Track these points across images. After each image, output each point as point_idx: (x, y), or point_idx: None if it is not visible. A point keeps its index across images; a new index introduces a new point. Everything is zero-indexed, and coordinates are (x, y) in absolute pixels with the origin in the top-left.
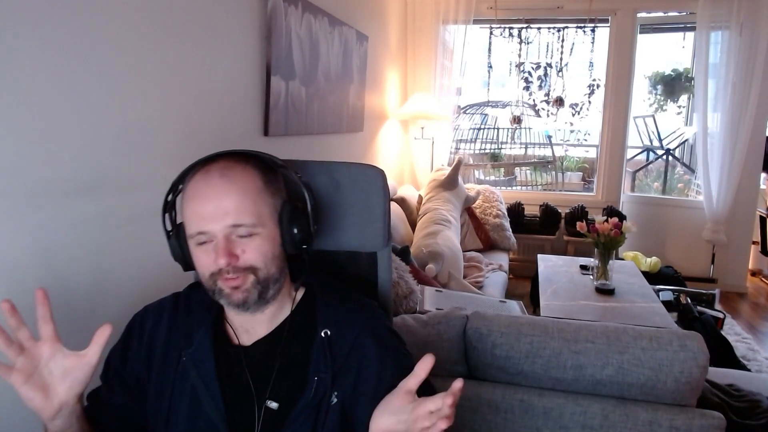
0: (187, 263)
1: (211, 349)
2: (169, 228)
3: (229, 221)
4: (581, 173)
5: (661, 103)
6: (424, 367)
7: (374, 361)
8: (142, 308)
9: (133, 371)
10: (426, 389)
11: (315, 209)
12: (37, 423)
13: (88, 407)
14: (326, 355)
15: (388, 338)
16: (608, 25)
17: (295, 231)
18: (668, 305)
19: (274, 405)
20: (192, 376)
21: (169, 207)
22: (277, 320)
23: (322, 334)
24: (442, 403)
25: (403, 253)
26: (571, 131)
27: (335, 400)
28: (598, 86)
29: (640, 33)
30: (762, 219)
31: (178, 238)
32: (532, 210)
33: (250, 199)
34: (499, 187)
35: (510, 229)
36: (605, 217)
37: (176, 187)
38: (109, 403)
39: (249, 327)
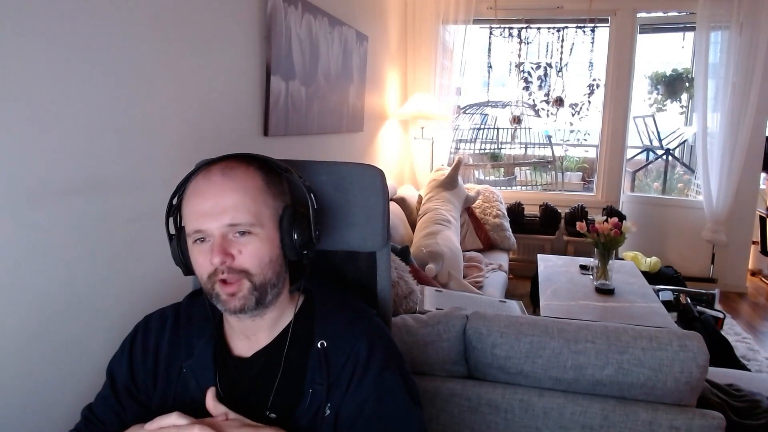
0: (188, 267)
1: (211, 361)
2: (172, 231)
3: (227, 220)
4: (581, 173)
5: (661, 103)
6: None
7: (363, 360)
8: (143, 318)
9: (141, 384)
10: None
11: (318, 215)
12: (36, 423)
13: (86, 425)
14: (322, 367)
15: (381, 346)
16: (608, 25)
17: (296, 236)
18: (668, 305)
19: (272, 416)
20: (192, 388)
21: (173, 210)
22: (278, 328)
23: (319, 345)
24: None
25: (403, 253)
26: (571, 131)
27: (329, 412)
28: (597, 86)
29: (640, 33)
30: (762, 219)
31: (179, 241)
32: (532, 210)
33: (249, 198)
34: (499, 187)
35: (510, 229)
36: (605, 217)
37: (181, 189)
38: (121, 419)
39: (250, 333)
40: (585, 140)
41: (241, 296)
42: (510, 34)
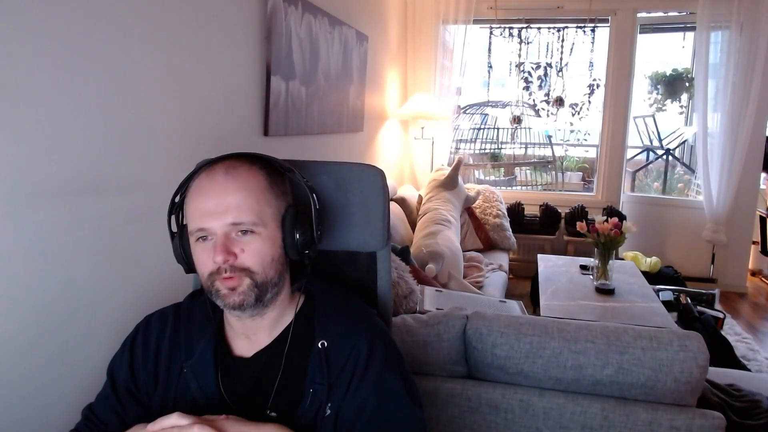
0: (190, 265)
1: (212, 361)
2: (174, 229)
3: (230, 219)
4: (581, 173)
5: (661, 103)
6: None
7: (363, 360)
8: (144, 318)
9: (141, 384)
10: None
11: (320, 214)
12: (36, 423)
13: (86, 424)
14: (322, 367)
15: (381, 346)
16: (608, 25)
17: (298, 236)
18: (668, 305)
19: (273, 415)
20: (193, 389)
21: (175, 208)
22: (279, 328)
23: (319, 345)
24: None
25: (403, 253)
26: (571, 131)
27: (329, 412)
28: (598, 86)
29: (640, 33)
30: (762, 219)
31: (181, 239)
32: (532, 210)
33: (252, 197)
34: (499, 187)
35: (510, 229)
36: (605, 217)
37: (183, 188)
38: (122, 419)
39: (250, 333)
40: (585, 140)
41: (240, 291)
42: (510, 34)
